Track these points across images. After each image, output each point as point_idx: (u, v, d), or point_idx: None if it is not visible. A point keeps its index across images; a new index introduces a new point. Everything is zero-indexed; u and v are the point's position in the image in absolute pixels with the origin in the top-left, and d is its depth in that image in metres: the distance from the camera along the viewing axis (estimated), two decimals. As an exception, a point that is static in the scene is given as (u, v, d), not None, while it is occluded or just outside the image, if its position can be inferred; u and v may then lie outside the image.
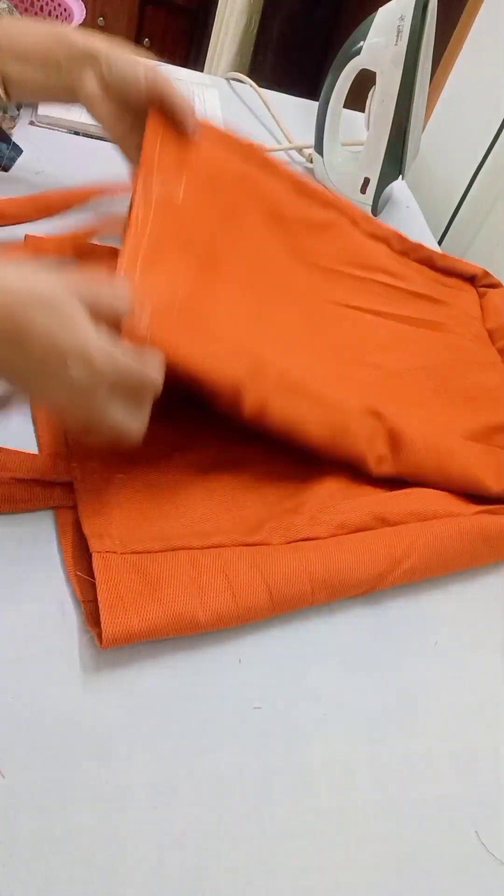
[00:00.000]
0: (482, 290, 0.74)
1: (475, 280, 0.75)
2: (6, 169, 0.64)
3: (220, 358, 0.42)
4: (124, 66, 0.53)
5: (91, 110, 0.54)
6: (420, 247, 0.75)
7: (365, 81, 0.78)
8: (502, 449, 0.53)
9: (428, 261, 0.75)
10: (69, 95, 0.54)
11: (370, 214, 0.75)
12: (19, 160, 0.65)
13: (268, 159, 0.63)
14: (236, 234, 0.55)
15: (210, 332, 0.44)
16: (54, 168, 0.67)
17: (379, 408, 0.49)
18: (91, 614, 0.37)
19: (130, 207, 0.48)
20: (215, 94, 0.92)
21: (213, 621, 0.37)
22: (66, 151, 0.71)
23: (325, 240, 0.66)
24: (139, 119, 0.53)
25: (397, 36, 0.71)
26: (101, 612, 0.35)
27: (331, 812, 0.35)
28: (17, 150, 0.64)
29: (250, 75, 0.98)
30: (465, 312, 0.71)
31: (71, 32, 0.53)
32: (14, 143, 0.64)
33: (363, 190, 0.83)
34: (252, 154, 0.62)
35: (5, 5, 0.70)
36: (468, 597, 0.47)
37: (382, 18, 0.72)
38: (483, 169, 0.87)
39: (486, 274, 0.75)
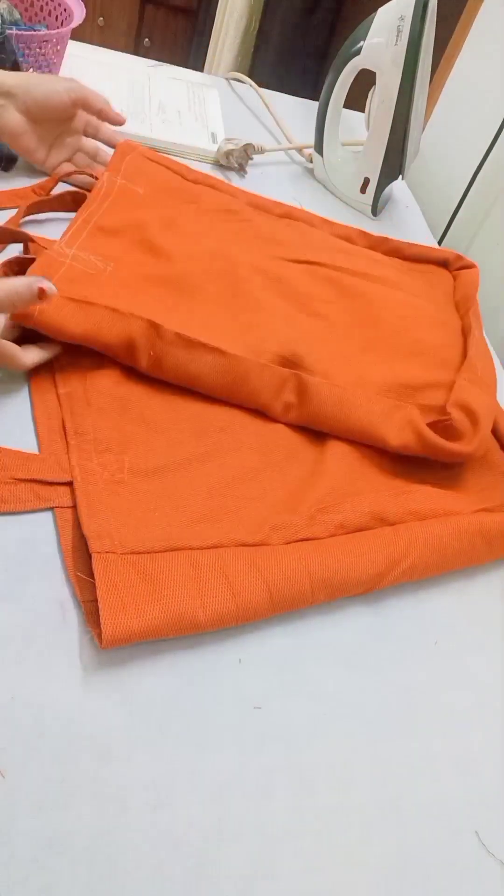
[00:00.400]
0: (456, 273, 0.75)
1: (448, 264, 0.75)
2: (6, 169, 0.65)
3: (111, 326, 0.48)
4: (44, 89, 0.60)
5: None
6: (386, 239, 0.76)
7: (365, 81, 0.78)
8: (420, 406, 0.52)
9: (396, 252, 0.75)
10: None
11: (331, 219, 0.76)
12: (20, 161, 0.65)
13: (218, 181, 0.73)
14: (189, 225, 0.64)
15: (110, 302, 0.48)
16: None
17: (295, 358, 0.53)
18: (91, 614, 0.37)
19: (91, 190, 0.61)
20: (215, 94, 0.92)
21: (213, 621, 0.37)
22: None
23: (283, 230, 0.71)
24: (62, 128, 0.64)
25: (397, 36, 0.71)
26: (101, 613, 0.35)
27: (331, 812, 0.35)
28: (12, 158, 0.64)
29: (250, 75, 0.98)
30: (432, 285, 0.71)
31: None
32: (9, 150, 0.64)
33: (363, 190, 0.83)
34: (202, 177, 0.73)
35: (5, 5, 0.70)
36: (468, 597, 0.47)
37: (382, 18, 0.72)
38: (483, 169, 0.87)
39: (459, 257, 0.75)
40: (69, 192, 0.62)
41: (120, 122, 0.69)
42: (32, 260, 0.50)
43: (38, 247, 0.52)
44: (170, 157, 0.74)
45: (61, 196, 0.62)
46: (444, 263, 0.75)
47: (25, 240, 0.54)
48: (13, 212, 0.59)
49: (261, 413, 0.51)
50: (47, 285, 0.44)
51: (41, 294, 0.43)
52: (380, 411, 0.50)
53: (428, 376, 0.57)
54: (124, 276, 0.55)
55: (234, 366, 0.49)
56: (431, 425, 0.50)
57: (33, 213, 0.61)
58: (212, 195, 0.71)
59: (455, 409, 0.51)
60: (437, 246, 0.85)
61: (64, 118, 0.63)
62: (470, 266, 0.74)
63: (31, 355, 0.46)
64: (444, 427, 0.50)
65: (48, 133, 0.63)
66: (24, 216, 0.60)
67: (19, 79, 0.58)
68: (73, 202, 0.62)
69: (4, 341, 0.45)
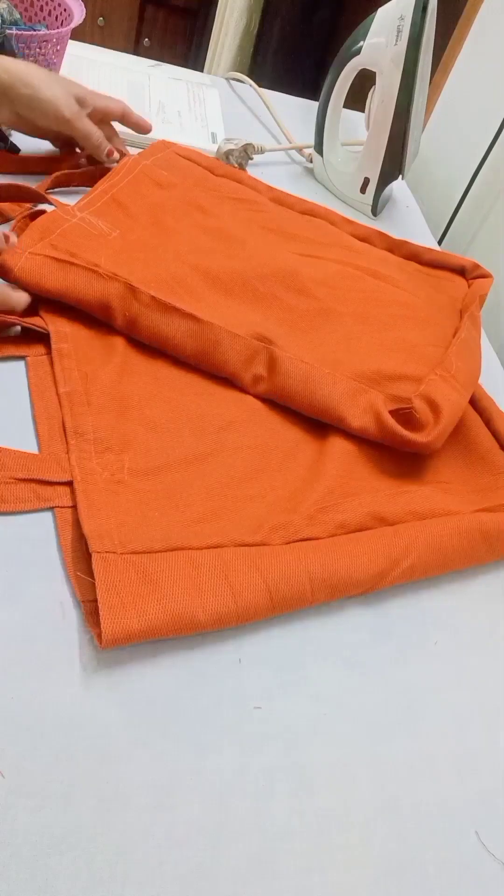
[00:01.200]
0: (472, 281, 0.74)
1: (465, 272, 0.75)
2: (14, 151, 0.65)
3: (88, 286, 0.51)
4: (41, 110, 0.60)
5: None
6: (405, 243, 0.75)
7: (365, 81, 0.78)
8: (387, 395, 0.53)
9: (414, 256, 0.75)
10: None
11: (352, 218, 0.76)
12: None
13: (245, 175, 0.75)
14: (205, 210, 0.66)
15: (98, 261, 0.52)
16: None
17: (273, 336, 0.54)
18: (91, 614, 0.37)
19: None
20: (215, 94, 0.92)
21: (213, 621, 0.37)
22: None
23: (301, 226, 0.72)
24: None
25: (397, 36, 0.71)
26: (101, 612, 0.35)
27: (331, 812, 0.35)
28: (15, 150, 0.64)
29: (250, 75, 0.98)
30: (440, 290, 0.71)
31: None
32: (12, 142, 0.64)
33: (363, 190, 0.83)
34: (230, 171, 0.75)
35: (5, 5, 0.70)
36: (468, 597, 0.47)
37: (382, 18, 0.72)
38: (483, 169, 0.87)
39: (477, 266, 0.75)
40: (98, 168, 0.66)
41: (146, 130, 0.71)
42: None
43: (55, 202, 0.57)
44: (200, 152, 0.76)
45: (91, 171, 0.66)
46: (461, 271, 0.75)
47: (46, 201, 0.57)
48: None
49: (261, 414, 0.51)
50: (11, 236, 0.50)
51: (6, 238, 0.50)
52: (343, 391, 0.51)
53: (403, 369, 0.56)
54: (126, 242, 0.57)
55: (206, 332, 0.51)
56: (393, 413, 0.50)
57: (62, 186, 0.64)
58: (234, 188, 0.72)
59: (419, 399, 0.51)
60: (437, 246, 0.85)
61: (63, 132, 0.64)
62: (486, 276, 0.74)
63: (21, 296, 0.50)
64: (404, 415, 0.50)
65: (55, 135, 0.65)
66: (51, 186, 0.63)
67: (18, 89, 0.58)
68: (101, 177, 0.64)
69: None
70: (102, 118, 0.66)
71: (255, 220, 0.69)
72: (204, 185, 0.70)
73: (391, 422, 0.50)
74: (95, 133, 0.64)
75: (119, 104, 0.67)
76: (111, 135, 0.68)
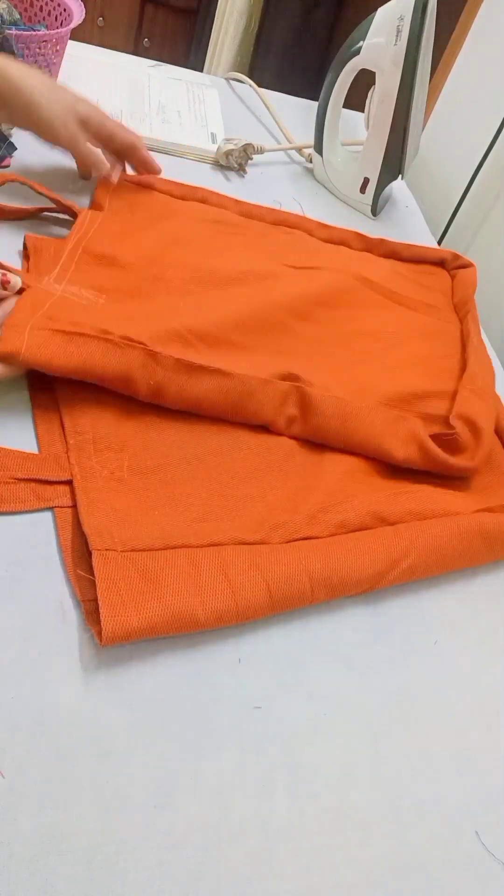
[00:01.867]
0: (454, 272, 0.74)
1: (445, 263, 0.75)
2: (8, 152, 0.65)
3: (105, 356, 0.45)
4: (40, 127, 0.58)
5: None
6: (383, 241, 0.75)
7: (365, 81, 0.78)
8: (418, 415, 0.52)
9: (393, 254, 0.75)
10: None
11: (326, 223, 0.75)
12: (15, 156, 0.65)
13: (209, 193, 0.71)
14: (180, 244, 0.62)
15: (103, 329, 0.46)
16: (45, 168, 0.67)
17: (297, 370, 0.51)
18: (91, 613, 0.37)
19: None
20: (215, 94, 0.92)
21: (213, 619, 0.37)
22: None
23: (278, 238, 0.70)
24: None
25: (397, 36, 0.71)
26: (101, 609, 0.35)
27: (331, 812, 0.35)
28: (12, 148, 0.65)
29: (250, 75, 0.98)
30: (430, 289, 0.71)
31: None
32: (10, 141, 0.64)
33: (363, 190, 0.83)
34: (190, 191, 0.70)
35: (5, 5, 0.70)
36: (468, 597, 0.47)
37: (382, 18, 0.72)
38: (483, 169, 0.87)
39: (457, 256, 0.75)
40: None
41: (155, 171, 0.67)
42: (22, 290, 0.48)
43: (27, 280, 0.49)
44: (160, 165, 0.69)
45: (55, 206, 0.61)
46: (441, 263, 0.75)
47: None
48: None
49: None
50: (13, 278, 0.46)
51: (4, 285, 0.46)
52: (382, 424, 0.50)
53: (428, 385, 0.57)
54: (119, 305, 0.53)
55: (237, 385, 0.48)
56: (435, 438, 0.50)
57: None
58: (202, 210, 0.69)
59: (458, 421, 0.51)
60: (436, 246, 0.85)
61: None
62: (467, 265, 0.74)
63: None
64: (447, 441, 0.50)
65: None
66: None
67: (16, 101, 0.56)
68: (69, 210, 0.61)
69: None
70: (108, 141, 0.63)
71: (234, 243, 0.66)
72: (172, 214, 0.66)
73: (436, 450, 0.49)
74: (93, 155, 0.61)
75: (130, 136, 0.64)
76: (114, 161, 0.65)
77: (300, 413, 0.50)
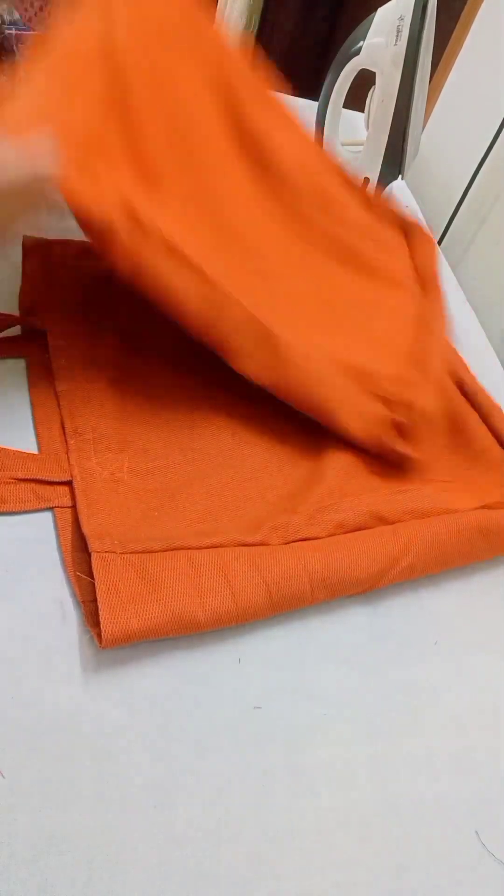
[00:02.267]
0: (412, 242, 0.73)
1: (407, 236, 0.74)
2: None
3: (100, 201, 0.41)
4: None
5: None
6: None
7: (365, 81, 0.78)
8: (372, 392, 0.51)
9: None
10: None
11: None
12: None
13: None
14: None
15: (105, 180, 0.43)
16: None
17: (276, 318, 0.48)
18: (91, 614, 0.37)
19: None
20: (215, 94, 0.92)
21: (213, 621, 0.37)
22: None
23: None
24: None
25: (397, 36, 0.71)
26: (101, 612, 0.35)
27: (331, 812, 0.35)
28: None
29: (250, 75, 0.97)
30: (392, 256, 0.69)
31: None
32: None
33: (363, 190, 0.82)
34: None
35: (5, 5, 0.70)
36: (468, 596, 0.47)
37: (382, 18, 0.72)
38: (483, 169, 0.87)
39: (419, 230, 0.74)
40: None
41: None
42: None
43: None
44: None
45: None
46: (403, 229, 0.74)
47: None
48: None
49: (261, 414, 0.51)
50: None
51: None
52: (344, 398, 0.50)
53: (385, 367, 0.55)
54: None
55: (218, 298, 0.45)
56: (393, 423, 0.50)
57: None
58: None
59: (406, 408, 0.51)
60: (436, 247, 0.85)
61: None
62: (428, 241, 0.72)
63: None
64: (398, 427, 0.50)
65: None
66: None
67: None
68: None
69: None
70: None
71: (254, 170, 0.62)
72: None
73: (390, 438, 0.49)
74: None
75: None
76: None
77: (273, 363, 0.47)
